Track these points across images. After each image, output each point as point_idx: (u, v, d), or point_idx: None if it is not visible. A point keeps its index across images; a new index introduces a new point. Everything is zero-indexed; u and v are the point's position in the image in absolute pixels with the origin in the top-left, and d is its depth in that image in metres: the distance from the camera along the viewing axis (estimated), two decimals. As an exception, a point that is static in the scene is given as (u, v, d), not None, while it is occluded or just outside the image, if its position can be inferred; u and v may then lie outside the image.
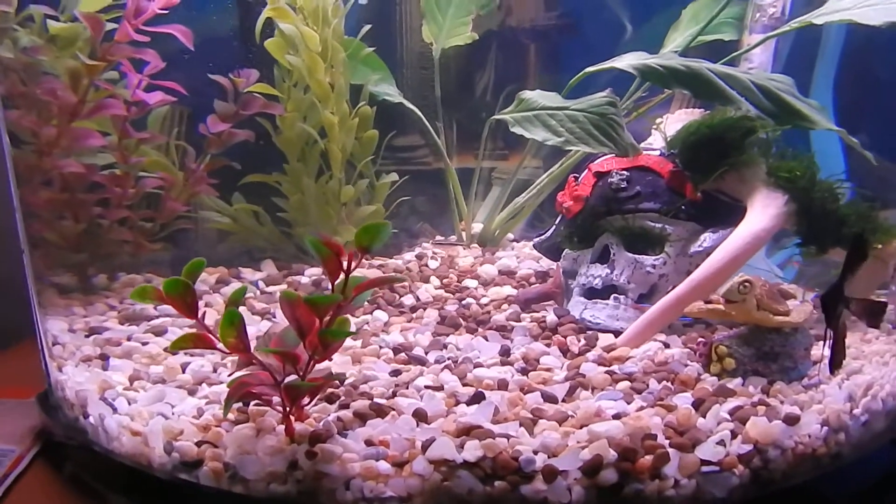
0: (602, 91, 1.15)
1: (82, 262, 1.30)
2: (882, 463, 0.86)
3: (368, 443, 0.71)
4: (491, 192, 1.68)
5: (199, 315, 0.70)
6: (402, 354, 1.01)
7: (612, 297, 1.10)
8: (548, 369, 0.95)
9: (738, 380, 0.85)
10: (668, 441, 0.72)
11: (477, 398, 0.82)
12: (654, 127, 1.32)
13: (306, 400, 0.74)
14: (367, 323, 1.16)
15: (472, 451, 0.67)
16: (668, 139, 1.19)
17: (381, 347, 1.03)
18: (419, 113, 1.52)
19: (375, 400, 0.81)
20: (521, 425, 0.75)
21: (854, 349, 0.93)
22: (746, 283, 0.83)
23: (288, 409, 0.70)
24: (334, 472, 0.68)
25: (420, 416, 0.76)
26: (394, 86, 1.56)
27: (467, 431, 0.71)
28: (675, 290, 1.00)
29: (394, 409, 0.78)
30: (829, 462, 0.77)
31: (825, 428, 0.76)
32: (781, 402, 0.79)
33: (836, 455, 0.78)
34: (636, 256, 1.11)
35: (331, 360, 0.94)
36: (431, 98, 1.60)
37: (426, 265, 1.48)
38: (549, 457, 0.69)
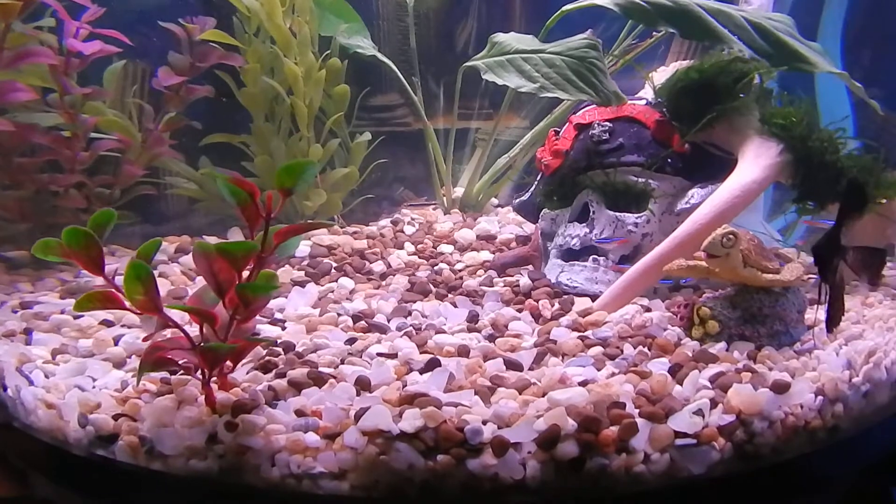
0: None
1: (30, 233, 1.22)
2: (888, 439, 0.77)
3: (300, 413, 0.63)
4: (474, 155, 1.59)
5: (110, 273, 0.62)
6: (363, 322, 0.93)
7: (590, 258, 1.01)
8: (516, 335, 0.87)
9: (722, 344, 0.76)
10: (637, 410, 0.63)
11: (431, 366, 0.74)
12: (646, 79, 1.22)
13: (229, 366, 0.65)
14: (332, 291, 1.08)
15: (411, 420, 0.59)
16: (657, 88, 1.09)
17: (339, 315, 0.95)
18: (394, 67, 1.42)
19: (320, 369, 0.73)
20: (476, 394, 0.67)
21: (854, 313, 0.84)
22: (731, 236, 0.74)
23: (208, 376, 0.62)
24: (258, 445, 0.60)
25: (363, 385, 0.68)
26: (367, 38, 1.46)
27: (411, 400, 0.63)
28: (656, 249, 0.91)
29: (335, 378, 0.70)
30: (825, 436, 0.69)
31: (820, 398, 0.68)
32: (770, 369, 0.71)
33: (833, 428, 0.69)
34: (618, 214, 1.02)
35: (286, 329, 0.87)
36: (410, 52, 1.50)
37: (401, 231, 1.40)
38: (500, 427, 0.61)
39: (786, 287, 0.77)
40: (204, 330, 0.62)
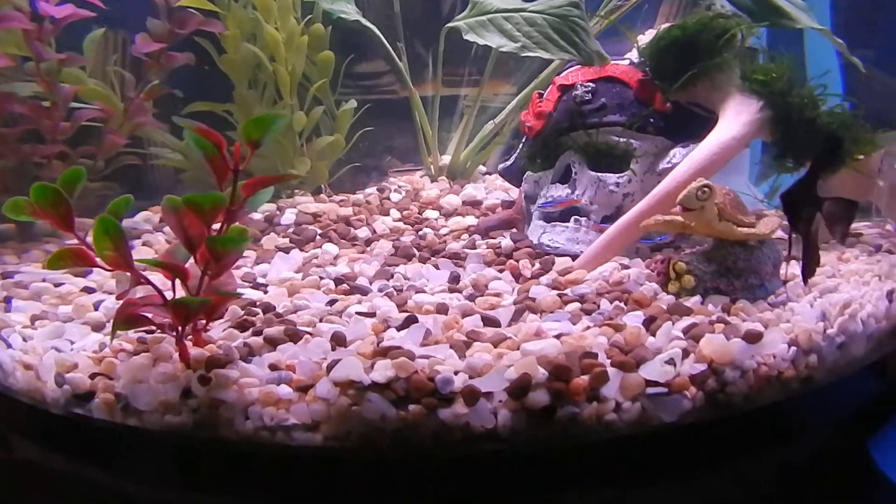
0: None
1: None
2: (865, 390, 0.78)
3: (274, 368, 0.64)
4: (461, 122, 1.58)
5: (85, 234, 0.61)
6: (345, 285, 0.93)
7: (572, 219, 1.01)
8: (496, 294, 0.87)
9: (697, 298, 0.76)
10: (609, 360, 0.63)
11: (408, 322, 0.74)
12: (631, 41, 1.21)
13: (204, 323, 0.66)
14: (317, 256, 1.08)
15: (383, 371, 0.59)
16: (641, 48, 1.08)
17: (321, 279, 0.95)
18: (378, 33, 1.40)
19: (298, 327, 0.73)
20: (451, 348, 0.68)
21: (830, 268, 0.84)
22: (706, 189, 0.73)
23: (181, 331, 0.62)
24: (231, 398, 0.60)
25: (338, 340, 0.68)
26: (351, 3, 1.44)
27: (384, 353, 0.63)
28: (635, 207, 0.91)
29: (312, 335, 0.70)
30: (798, 386, 0.69)
31: (793, 348, 0.68)
32: (743, 321, 0.71)
33: (807, 379, 0.70)
34: (599, 175, 1.01)
35: (267, 293, 0.86)
36: (395, 17, 1.48)
37: (388, 198, 1.39)
38: (471, 378, 0.61)
39: (761, 241, 0.77)
40: (177, 286, 0.62)
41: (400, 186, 1.48)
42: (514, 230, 1.13)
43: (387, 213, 1.30)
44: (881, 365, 0.78)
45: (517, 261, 0.97)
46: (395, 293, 0.88)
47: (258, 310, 0.79)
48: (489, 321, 0.77)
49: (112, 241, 0.59)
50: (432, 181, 1.51)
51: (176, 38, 1.21)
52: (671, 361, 0.63)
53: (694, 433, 0.64)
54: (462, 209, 1.30)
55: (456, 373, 0.61)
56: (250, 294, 0.89)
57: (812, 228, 0.70)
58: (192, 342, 0.65)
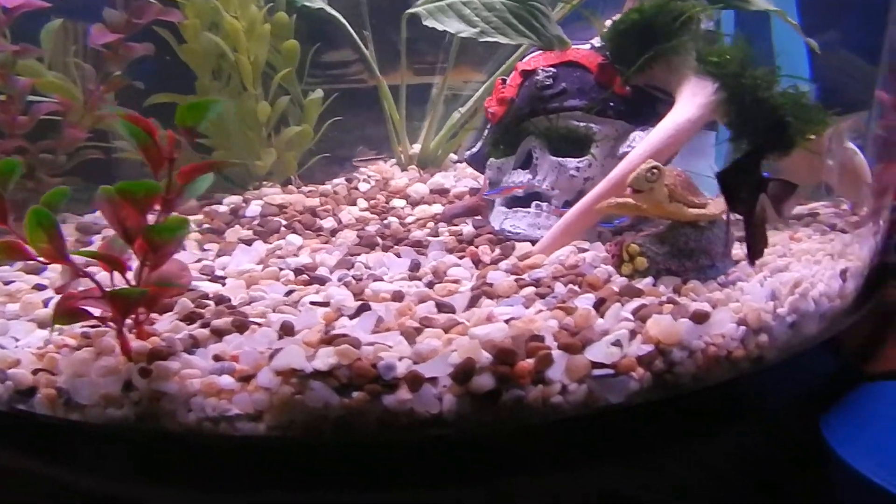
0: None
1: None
2: (819, 368, 0.78)
3: (218, 359, 0.63)
4: (429, 110, 1.57)
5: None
6: (305, 275, 0.92)
7: (533, 204, 1.01)
8: (455, 281, 0.87)
9: (650, 279, 0.76)
10: (556, 343, 0.63)
11: (361, 310, 0.74)
12: (594, 25, 1.20)
13: (146, 315, 0.65)
14: (280, 248, 1.07)
15: (325, 359, 0.59)
16: (602, 32, 1.07)
17: (281, 270, 0.94)
18: (344, 21, 1.38)
19: (249, 318, 0.72)
20: (402, 334, 0.67)
21: (781, 247, 0.84)
22: (654, 170, 0.73)
23: (121, 323, 0.61)
24: (172, 390, 0.60)
25: (286, 330, 0.67)
26: (317, -10, 1.42)
27: (330, 341, 0.63)
28: (592, 191, 0.90)
29: (260, 325, 0.69)
30: (749, 365, 0.69)
31: (742, 328, 0.68)
32: (693, 301, 0.71)
33: (757, 358, 0.70)
34: (560, 160, 1.01)
35: (225, 285, 0.85)
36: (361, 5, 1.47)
37: (356, 188, 1.39)
38: (416, 363, 0.61)
39: (711, 221, 0.77)
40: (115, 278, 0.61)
41: (370, 176, 1.47)
42: (479, 217, 1.13)
43: (354, 203, 1.29)
44: (835, 343, 0.78)
45: (477, 247, 0.96)
46: (353, 282, 0.88)
47: (210, 302, 0.78)
48: (444, 307, 0.76)
49: (46, 234, 0.57)
50: (403, 170, 1.51)
51: (134, 28, 1.19)
52: (618, 343, 0.63)
53: (642, 414, 0.64)
54: (429, 197, 1.29)
55: (401, 359, 0.61)
56: (207, 286, 0.88)
57: (758, 210, 0.70)
58: (136, 335, 0.64)
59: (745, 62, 0.88)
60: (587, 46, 1.09)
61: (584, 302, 0.72)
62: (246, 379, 0.60)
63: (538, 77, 1.06)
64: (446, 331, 0.68)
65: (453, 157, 1.59)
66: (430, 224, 1.15)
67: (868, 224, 0.87)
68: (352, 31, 1.40)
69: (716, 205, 0.78)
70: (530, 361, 0.61)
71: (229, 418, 0.59)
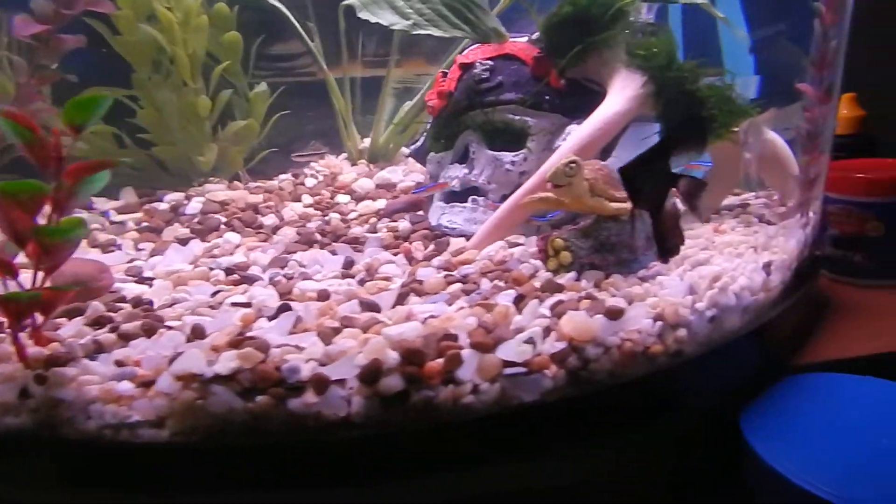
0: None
1: None
2: (743, 362, 0.78)
3: (120, 364, 0.61)
4: (378, 103, 1.55)
5: None
6: (235, 275, 0.90)
7: (470, 198, 1.00)
8: (386, 278, 0.86)
9: (573, 274, 0.76)
10: (469, 342, 0.63)
11: (281, 311, 0.72)
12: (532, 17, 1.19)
13: (43, 319, 0.63)
14: (218, 246, 1.05)
15: (226, 362, 0.57)
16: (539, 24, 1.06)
17: (212, 270, 0.92)
18: (286, 12, 1.36)
19: (166, 321, 0.71)
20: (318, 335, 0.66)
21: (704, 240, 0.84)
22: (573, 164, 0.73)
23: (14, 329, 0.59)
24: (69, 397, 0.58)
25: (197, 333, 0.66)
26: (258, -21, 1.39)
27: (238, 344, 0.61)
28: (523, 186, 0.90)
29: (170, 328, 0.68)
30: (667, 361, 0.69)
31: (659, 323, 0.68)
32: (613, 296, 0.71)
33: (676, 353, 0.70)
34: (496, 154, 1.00)
35: (152, 287, 0.84)
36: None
37: (302, 183, 1.37)
38: (324, 365, 0.60)
39: (633, 215, 0.76)
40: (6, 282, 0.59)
41: (318, 171, 1.45)
42: (421, 212, 1.12)
43: (298, 200, 1.27)
44: (762, 335, 0.79)
45: (411, 243, 0.95)
46: (283, 281, 0.86)
47: (127, 304, 0.76)
48: (369, 306, 0.75)
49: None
50: (353, 165, 1.49)
51: (63, 19, 1.15)
52: (530, 340, 0.63)
53: (557, 411, 0.64)
54: (374, 193, 1.28)
55: (308, 361, 0.60)
56: (133, 289, 0.86)
57: (667, 206, 0.69)
58: (34, 341, 0.62)
59: (672, 55, 0.88)
60: (524, 39, 1.08)
61: (505, 298, 0.71)
62: (146, 384, 0.58)
63: (475, 70, 1.05)
64: (365, 330, 0.67)
65: (405, 150, 1.58)
66: (373, 219, 1.14)
67: (796, 216, 0.88)
68: (295, 22, 1.37)
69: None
70: (440, 361, 0.60)
71: (130, 425, 0.58)
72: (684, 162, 0.70)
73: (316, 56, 1.40)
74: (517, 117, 1.01)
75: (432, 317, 0.69)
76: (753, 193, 1.01)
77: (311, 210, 1.22)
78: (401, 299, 0.78)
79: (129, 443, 0.58)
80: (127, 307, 0.75)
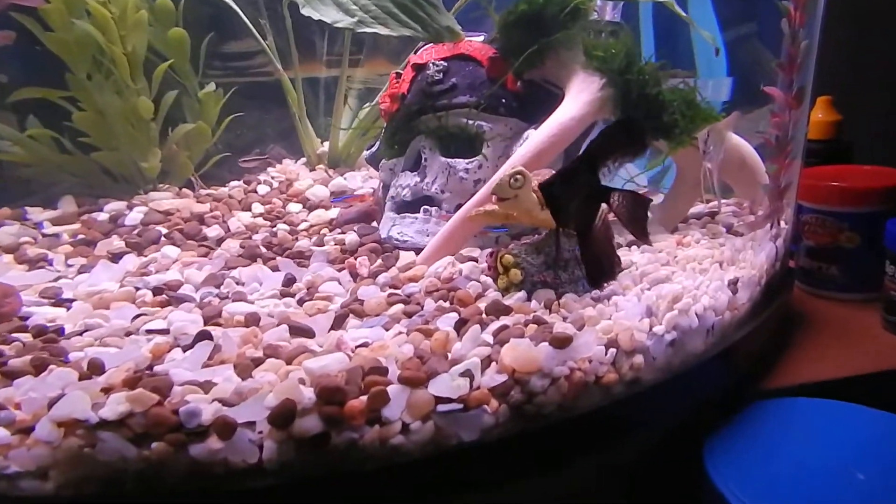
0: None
1: None
2: (708, 387, 0.72)
3: (1, 408, 0.54)
4: (335, 105, 1.48)
5: None
6: (164, 295, 0.83)
7: (421, 209, 0.94)
8: (326, 298, 0.79)
9: (522, 294, 0.70)
10: (399, 375, 0.56)
11: (199, 339, 0.65)
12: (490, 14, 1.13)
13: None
14: (155, 261, 0.97)
15: (114, 406, 0.50)
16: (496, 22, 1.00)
17: (138, 290, 0.85)
18: (236, 8, 1.29)
19: (70, 354, 0.63)
20: (236, 368, 0.59)
21: (665, 254, 0.78)
22: (518, 176, 0.66)
23: None
24: (-63, 446, 0.51)
25: (94, 369, 0.59)
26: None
27: (134, 382, 0.54)
28: (476, 196, 0.84)
29: (67, 364, 0.60)
30: (624, 389, 0.63)
31: (612, 350, 0.62)
32: (564, 319, 0.65)
33: (633, 381, 0.64)
34: (449, 160, 0.94)
35: (70, 309, 0.76)
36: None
37: (254, 191, 1.29)
38: (231, 405, 0.53)
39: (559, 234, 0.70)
40: None
41: (273, 177, 1.38)
42: (375, 223, 1.05)
43: (248, 209, 1.20)
44: (726, 358, 0.73)
45: (356, 258, 0.88)
46: (215, 302, 0.79)
47: (26, 335, 0.68)
48: (300, 331, 0.68)
49: None
50: (311, 170, 1.42)
51: (-11, 16, 1.08)
52: (467, 373, 0.56)
53: (501, 450, 0.57)
54: (329, 201, 1.21)
55: (213, 401, 0.53)
56: (47, 313, 0.78)
57: (597, 225, 0.63)
58: None
59: (632, 56, 0.82)
60: (480, 39, 1.01)
61: (446, 323, 0.65)
62: (26, 431, 0.51)
63: (428, 72, 0.98)
64: (289, 361, 0.61)
65: (366, 154, 1.51)
66: (325, 231, 1.07)
67: (765, 226, 0.82)
68: (245, 18, 1.30)
69: (594, 212, 0.71)
70: (363, 399, 0.53)
71: (9, 476, 0.51)
72: (616, 171, 0.63)
73: (269, 54, 1.33)
74: (472, 122, 0.95)
75: (364, 345, 0.62)
76: (724, 201, 0.96)
77: (260, 220, 1.14)
78: (338, 322, 0.71)
79: (6, 496, 0.51)
80: (27, 337, 0.67)
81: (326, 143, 1.47)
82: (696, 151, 0.79)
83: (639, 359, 0.63)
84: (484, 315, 0.66)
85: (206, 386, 0.55)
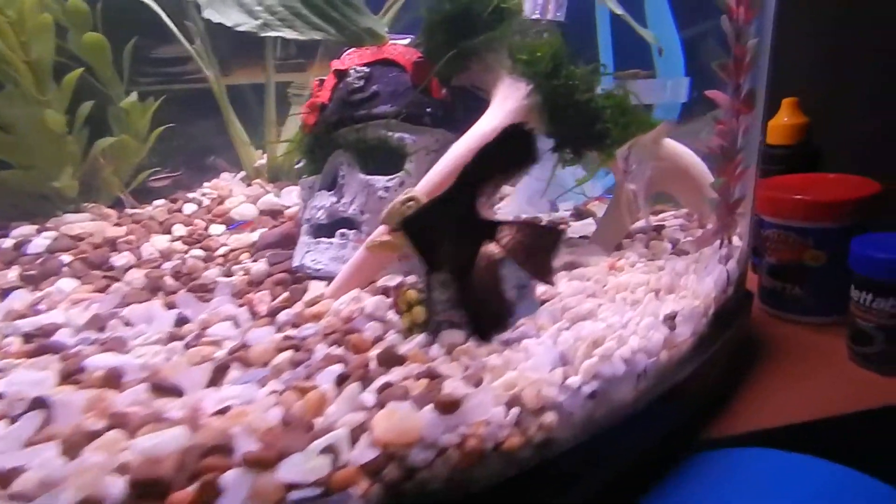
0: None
1: None
2: (631, 445, 0.62)
3: None
4: (266, 113, 1.38)
5: None
6: (35, 342, 0.73)
7: (338, 233, 0.84)
8: (214, 343, 0.69)
9: (423, 338, 0.60)
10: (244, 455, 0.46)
11: (34, 406, 0.55)
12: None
13: None
14: (50, 296, 0.87)
15: None
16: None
17: (6, 336, 0.74)
18: (157, 9, 1.19)
19: None
20: (64, 445, 0.49)
21: (593, 283, 0.68)
22: (411, 202, 0.57)
23: None
24: None
25: None
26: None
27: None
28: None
29: None
30: (532, 454, 0.54)
31: (515, 409, 0.52)
32: (466, 369, 0.55)
33: (544, 443, 0.54)
34: (368, 178, 0.84)
35: None
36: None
37: (179, 210, 1.20)
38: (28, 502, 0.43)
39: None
40: None
41: (205, 194, 1.28)
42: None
43: (169, 231, 1.10)
44: (664, 405, 0.64)
45: (255, 293, 0.79)
46: (88, 351, 0.69)
47: None
48: (165, 391, 0.59)
49: None
50: (248, 185, 1.33)
51: None
52: (330, 449, 0.47)
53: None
54: (257, 220, 1.12)
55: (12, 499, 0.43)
56: None
57: (478, 265, 0.53)
58: None
59: (559, 59, 0.73)
60: (406, 42, 0.92)
61: (329, 377, 0.55)
62: None
63: (350, 79, 0.89)
64: (133, 434, 0.51)
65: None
66: (246, 255, 0.97)
67: (714, 243, 0.73)
68: (168, 20, 1.20)
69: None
70: (190, 491, 0.44)
71: None
72: (494, 192, 0.53)
73: (196, 59, 1.24)
74: (394, 134, 0.85)
75: (224, 410, 0.52)
76: (672, 212, 0.86)
77: (178, 245, 1.05)
78: (218, 375, 0.61)
79: None
80: None
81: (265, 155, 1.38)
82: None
83: (550, 417, 0.54)
84: (373, 366, 0.56)
85: (10, 476, 0.45)
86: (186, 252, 0.99)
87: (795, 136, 1.05)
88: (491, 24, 0.79)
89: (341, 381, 0.54)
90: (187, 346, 0.69)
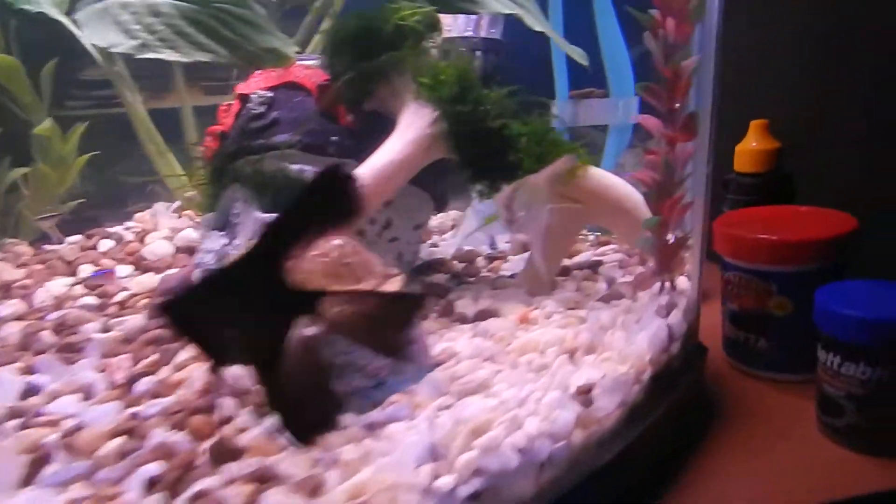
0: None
1: None
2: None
3: None
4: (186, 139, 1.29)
5: None
6: None
7: (226, 281, 0.73)
8: (52, 423, 0.58)
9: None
10: None
11: None
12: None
13: None
14: None
15: None
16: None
17: None
18: (73, 29, 1.10)
19: None
20: None
21: (494, 342, 0.56)
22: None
23: None
24: None
25: None
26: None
27: None
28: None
29: None
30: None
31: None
32: (315, 463, 0.43)
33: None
34: (265, 216, 0.74)
35: None
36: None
37: (94, 248, 1.09)
38: None
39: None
40: None
41: (129, 227, 1.18)
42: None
43: (74, 273, 1.00)
44: (580, 495, 0.52)
45: (119, 355, 0.68)
46: None
47: None
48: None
49: None
50: (179, 217, 1.23)
51: None
52: None
53: None
54: (171, 260, 1.01)
55: None
56: None
57: (290, 348, 0.42)
58: None
59: (466, 83, 0.62)
60: (315, 62, 0.82)
61: (138, 482, 0.44)
62: None
63: (250, 104, 0.79)
64: None
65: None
66: (147, 301, 0.87)
67: (652, 286, 0.61)
68: (83, 40, 1.12)
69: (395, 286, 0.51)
70: None
71: None
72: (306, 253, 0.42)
73: (114, 82, 1.14)
74: (293, 165, 0.75)
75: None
76: (613, 246, 0.75)
77: (78, 289, 0.94)
78: (34, 469, 0.50)
79: None
80: None
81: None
82: (557, 198, 0.59)
83: (413, 530, 0.42)
84: (202, 461, 0.45)
85: None
86: (76, 301, 0.89)
87: (765, 162, 0.93)
88: (395, 44, 0.69)
89: (152, 485, 0.43)
90: (24, 426, 0.58)
